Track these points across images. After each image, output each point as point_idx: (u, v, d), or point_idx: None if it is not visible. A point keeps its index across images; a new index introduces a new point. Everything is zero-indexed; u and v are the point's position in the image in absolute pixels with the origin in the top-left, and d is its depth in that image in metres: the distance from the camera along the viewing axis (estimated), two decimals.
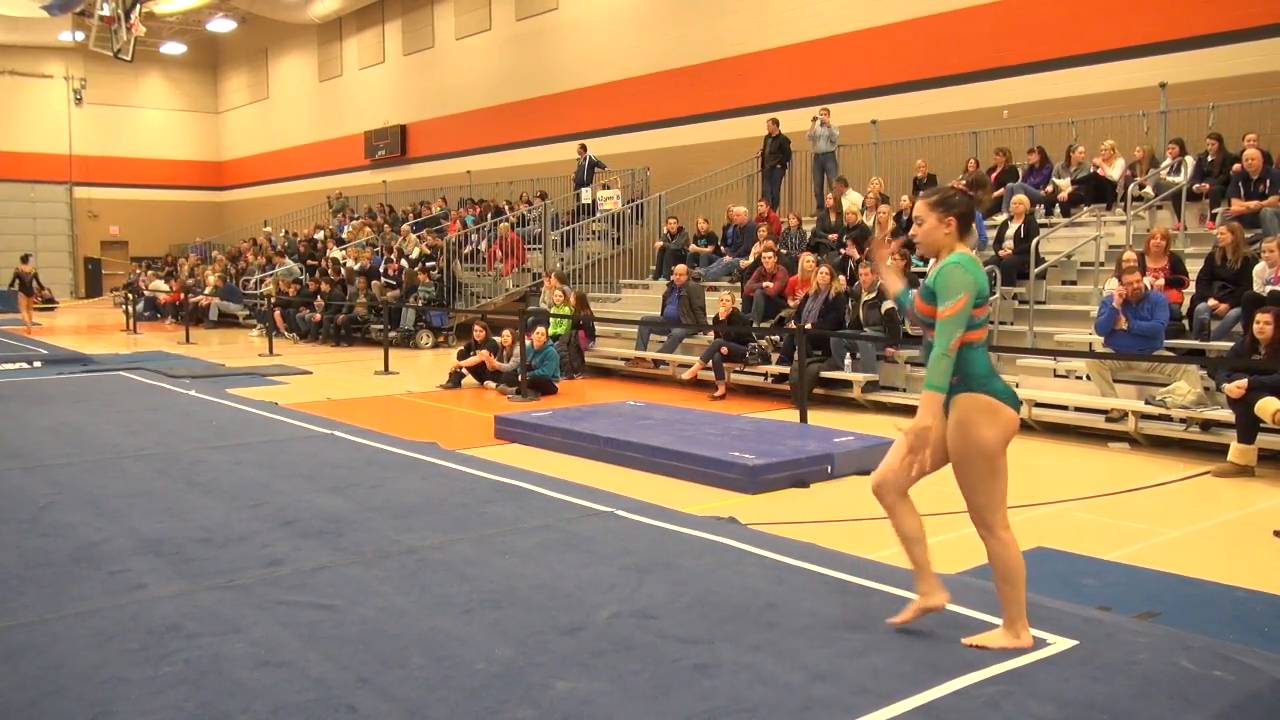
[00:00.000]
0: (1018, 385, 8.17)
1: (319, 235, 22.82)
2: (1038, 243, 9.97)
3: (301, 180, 29.41)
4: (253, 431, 7.93)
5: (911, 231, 3.75)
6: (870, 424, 8.29)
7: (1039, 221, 10.86)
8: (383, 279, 16.52)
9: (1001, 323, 9.67)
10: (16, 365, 12.28)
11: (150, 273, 24.78)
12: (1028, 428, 7.95)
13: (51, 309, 25.81)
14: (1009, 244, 10.28)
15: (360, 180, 26.59)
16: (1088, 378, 8.18)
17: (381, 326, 13.79)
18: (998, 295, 9.50)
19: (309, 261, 20.44)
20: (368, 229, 21.44)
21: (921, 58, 14.39)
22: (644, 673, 3.27)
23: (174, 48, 31.63)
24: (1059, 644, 3.44)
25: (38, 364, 12.53)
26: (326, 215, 25.46)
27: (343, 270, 17.87)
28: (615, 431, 7.11)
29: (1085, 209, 11.18)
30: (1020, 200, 10.52)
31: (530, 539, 4.87)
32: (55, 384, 10.85)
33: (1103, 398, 7.89)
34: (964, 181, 3.45)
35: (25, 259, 22.55)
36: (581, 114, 19.64)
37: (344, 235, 21.88)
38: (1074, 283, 10.40)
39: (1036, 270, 9.79)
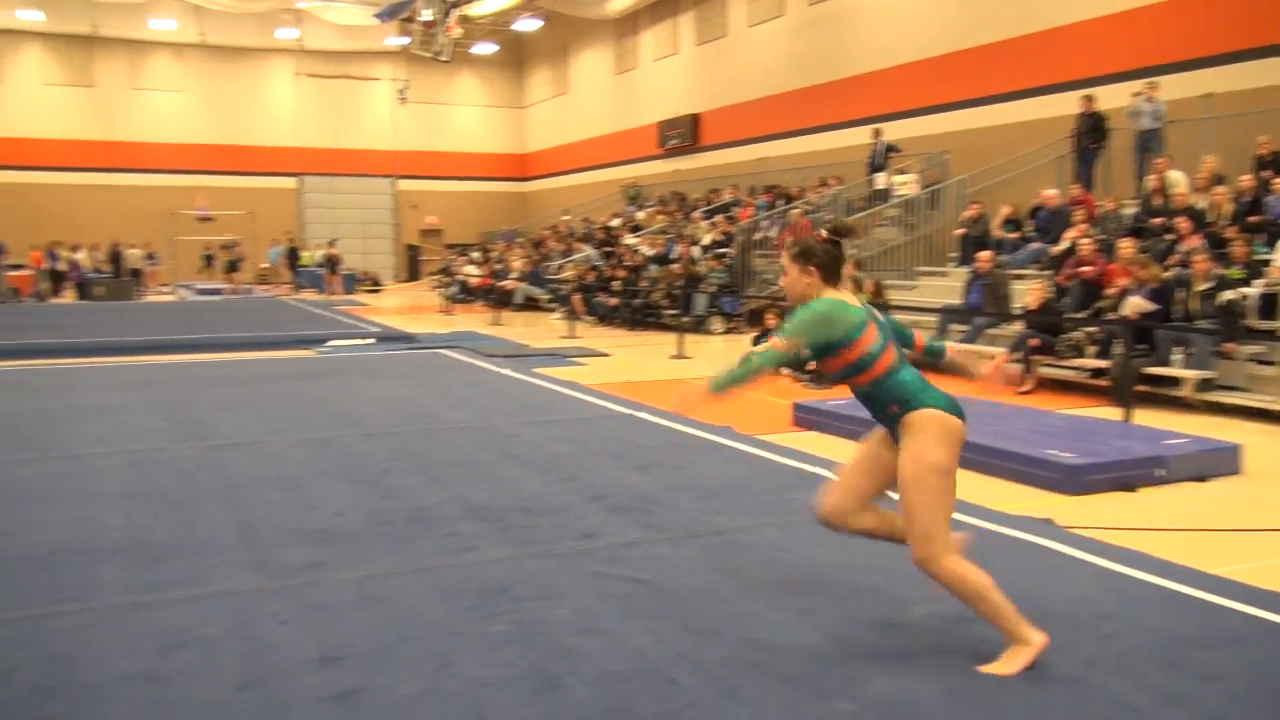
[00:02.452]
0: None
1: (615, 223, 23.66)
2: None
3: (598, 170, 30.59)
4: (560, 409, 8.33)
5: (781, 280, 3.60)
6: (1204, 426, 7.54)
7: None
8: (684, 262, 16.85)
9: None
10: (355, 341, 13.57)
11: (463, 258, 26.66)
12: None
13: (378, 291, 28.35)
14: None
15: (653, 169, 27.30)
16: None
17: (675, 312, 14.11)
18: None
19: (605, 248, 21.24)
20: (661, 216, 21.99)
21: (1266, 20, 12.89)
22: (967, 677, 3.13)
23: (484, 48, 33.76)
24: None
25: (372, 340, 13.78)
26: (622, 203, 26.36)
27: (638, 256, 18.44)
28: None
29: None
30: None
31: None
32: (386, 359, 11.89)
33: None
34: (826, 231, 3.40)
35: (332, 243, 27.83)
36: (876, 97, 19.16)
37: (638, 222, 22.57)
38: None
39: None
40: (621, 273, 17.86)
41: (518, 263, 22.49)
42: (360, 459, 6.34)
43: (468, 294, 23.05)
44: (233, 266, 28.30)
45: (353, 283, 27.83)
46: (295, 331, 14.60)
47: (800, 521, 4.89)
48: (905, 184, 16.13)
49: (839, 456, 6.41)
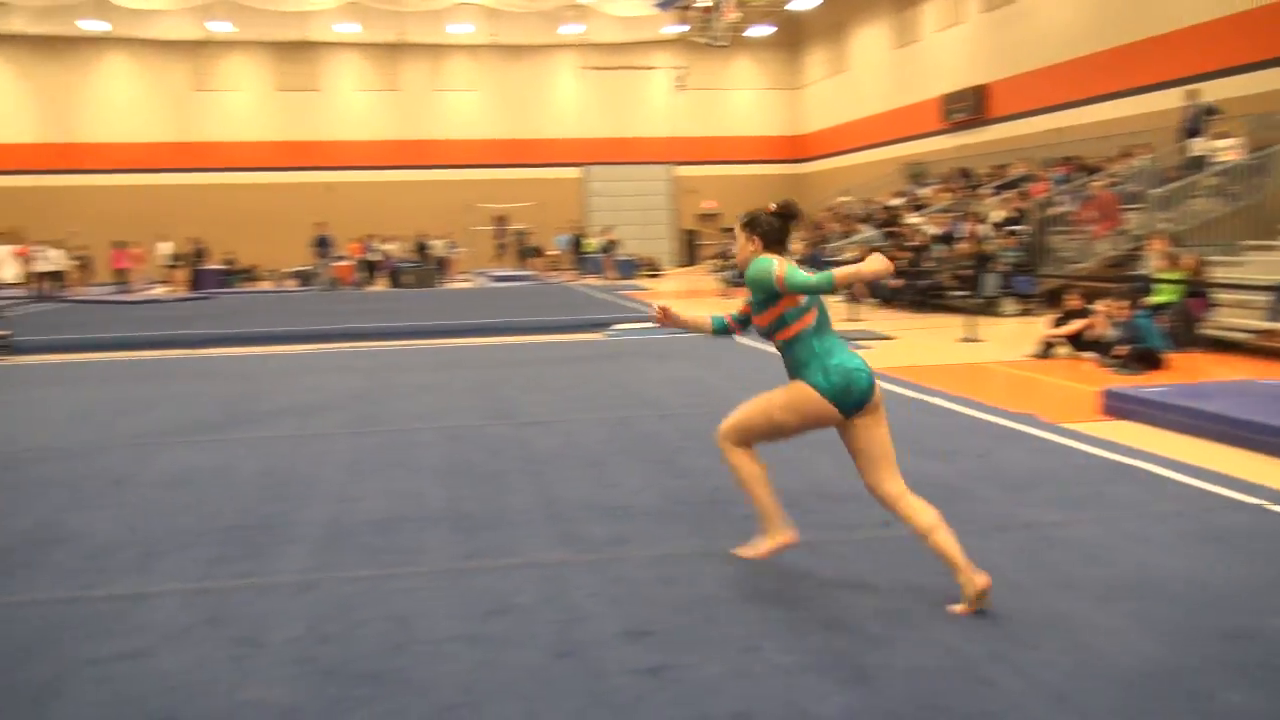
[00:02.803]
0: None
1: (896, 202, 22.99)
2: None
3: (877, 149, 29.83)
4: None
5: (735, 247, 3.92)
6: None
7: None
8: (972, 240, 16.13)
9: None
10: (640, 325, 13.97)
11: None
12: None
13: (657, 276, 29.06)
14: None
15: (936, 145, 26.28)
16: None
17: (964, 293, 13.54)
18: None
19: (887, 228, 20.68)
20: (945, 194, 21.14)
21: None
22: None
23: (760, 30, 33.68)
24: None
25: (656, 324, 14.11)
26: (902, 182, 25.58)
27: (922, 236, 17.81)
28: (1252, 413, 6.20)
29: None
30: None
31: (1163, 526, 4.41)
32: (671, 342, 12.13)
33: None
34: (775, 205, 3.78)
35: (608, 230, 29.07)
36: (1189, 55, 17.43)
37: (921, 201, 21.82)
38: None
39: None
40: (904, 253, 17.32)
41: (796, 245, 22.31)
42: (654, 439, 6.50)
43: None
44: (533, 253, 29.79)
45: (631, 268, 28.65)
46: (584, 315, 15.20)
47: (1122, 517, 4.54)
48: (1226, 150, 14.60)
49: (1156, 448, 5.91)
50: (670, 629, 3.45)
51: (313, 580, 4.00)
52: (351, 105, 33.95)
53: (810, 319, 3.65)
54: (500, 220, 31.94)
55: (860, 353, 11.22)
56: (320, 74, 33.75)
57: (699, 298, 20.08)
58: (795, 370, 3.67)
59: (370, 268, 27.28)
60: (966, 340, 11.75)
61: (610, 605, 3.66)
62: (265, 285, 28.20)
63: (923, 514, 3.63)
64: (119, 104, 32.75)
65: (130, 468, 5.99)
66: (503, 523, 4.72)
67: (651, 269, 30.03)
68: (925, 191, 22.64)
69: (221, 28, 31.67)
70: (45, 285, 24.15)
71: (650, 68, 35.53)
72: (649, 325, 13.92)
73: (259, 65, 33.33)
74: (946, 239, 17.13)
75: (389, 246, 28.26)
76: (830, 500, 4.97)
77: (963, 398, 7.71)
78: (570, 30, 33.84)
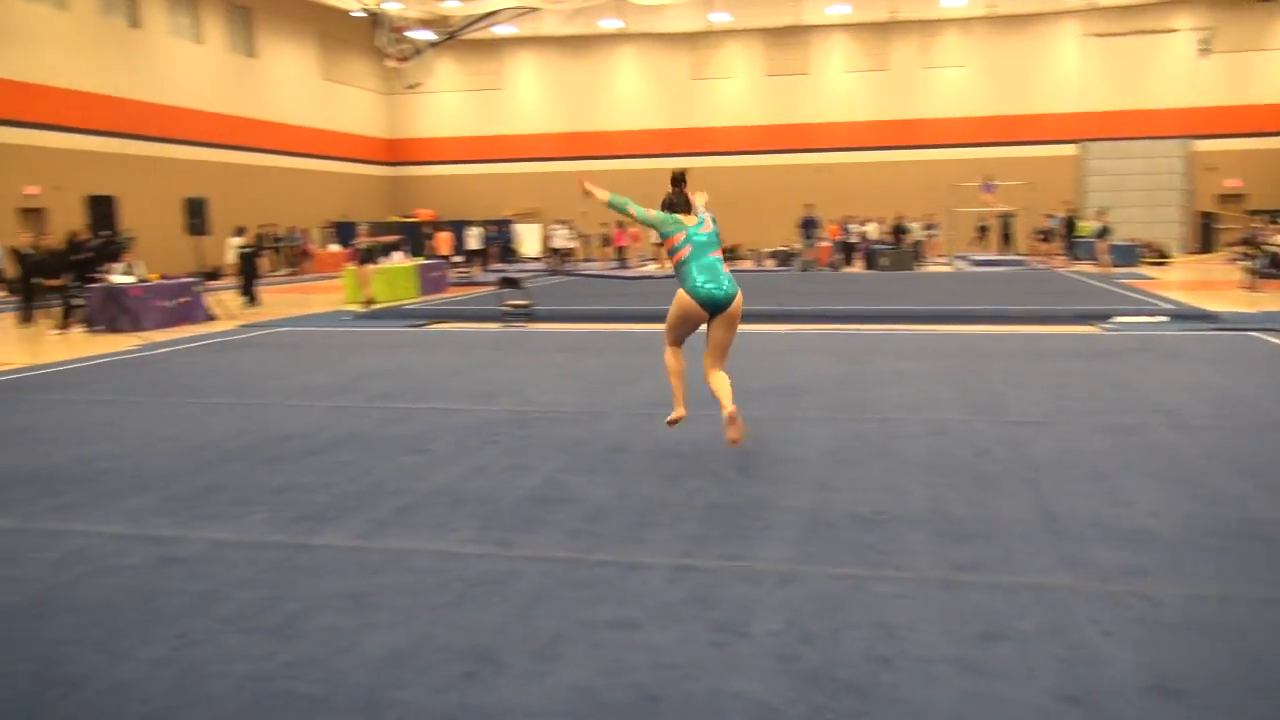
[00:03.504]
0: None
1: None
2: None
3: None
4: None
5: None
6: None
7: None
8: None
9: None
10: (1144, 319, 12.49)
11: (1272, 226, 23.15)
12: None
13: (1163, 264, 26.06)
14: None
15: None
16: None
17: None
18: None
19: None
20: None
21: None
22: None
23: None
24: None
25: (1164, 319, 12.56)
26: None
27: None
28: None
29: None
30: None
31: None
32: (1184, 340, 10.66)
33: None
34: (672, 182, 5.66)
35: (1101, 211, 24.04)
36: None
37: None
38: None
39: None
40: None
41: None
42: (1171, 453, 5.65)
43: (1277, 267, 19.95)
44: (1046, 237, 27.64)
45: (1131, 254, 25.81)
46: (1076, 306, 13.93)
47: None
48: None
49: None
50: (1212, 690, 2.88)
51: (795, 572, 3.88)
52: (838, 87, 34.18)
53: (685, 252, 5.46)
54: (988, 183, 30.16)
55: None
56: (809, 57, 34.34)
57: (1214, 290, 17.60)
58: (679, 282, 5.44)
59: (847, 249, 27.27)
60: None
61: (1130, 649, 3.15)
62: (745, 265, 29.28)
63: (720, 387, 5.47)
64: (626, 95, 35.78)
65: (625, 435, 6.33)
66: (996, 533, 4.30)
67: (1157, 256, 26.97)
68: None
69: (720, 18, 33.31)
70: (557, 260, 27.01)
71: (1167, 30, 31.88)
72: (1159, 320, 12.38)
73: (751, 52, 34.65)
74: None
75: (866, 228, 28.06)
76: None
77: None
78: None
